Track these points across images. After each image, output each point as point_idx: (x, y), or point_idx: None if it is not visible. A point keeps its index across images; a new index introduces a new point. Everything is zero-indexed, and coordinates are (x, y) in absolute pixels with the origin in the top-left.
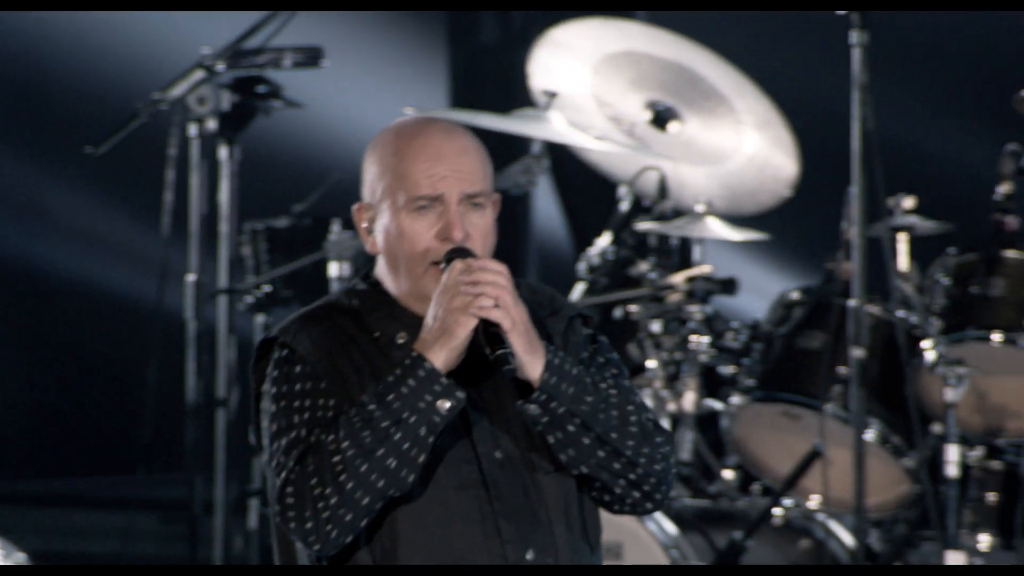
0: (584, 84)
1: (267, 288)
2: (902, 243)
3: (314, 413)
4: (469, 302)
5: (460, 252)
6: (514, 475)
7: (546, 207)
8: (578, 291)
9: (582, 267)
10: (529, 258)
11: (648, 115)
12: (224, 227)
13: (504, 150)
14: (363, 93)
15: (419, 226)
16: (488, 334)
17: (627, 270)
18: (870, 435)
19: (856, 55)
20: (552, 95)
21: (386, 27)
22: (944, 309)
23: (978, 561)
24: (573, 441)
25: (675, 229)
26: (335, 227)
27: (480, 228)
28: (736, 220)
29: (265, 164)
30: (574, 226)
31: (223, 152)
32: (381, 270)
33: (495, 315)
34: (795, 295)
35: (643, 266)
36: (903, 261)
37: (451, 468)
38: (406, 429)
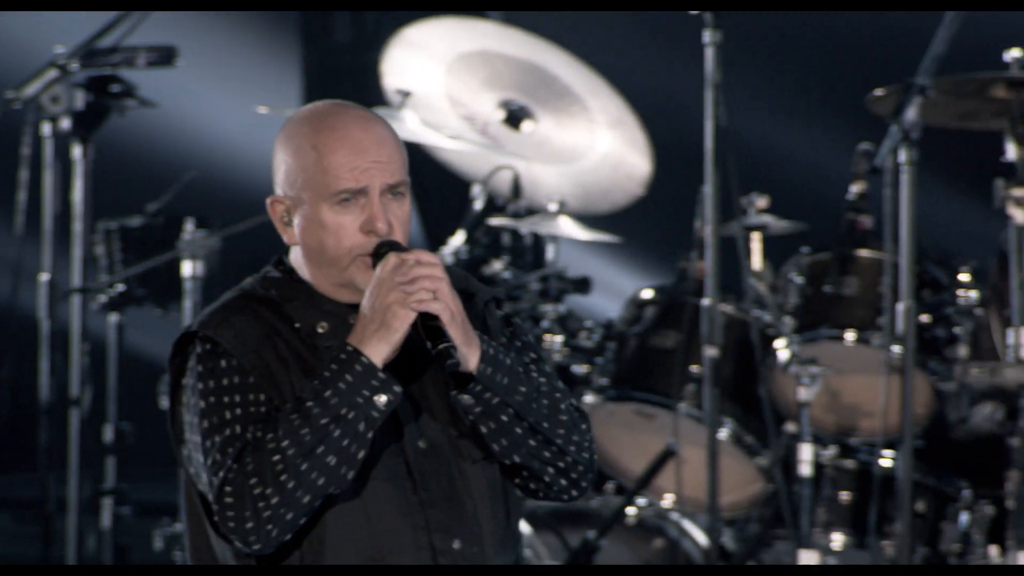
0: (438, 83)
1: (120, 287)
2: (755, 242)
3: (246, 409)
4: (406, 296)
5: (390, 245)
6: (439, 464)
7: None
8: None
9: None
10: None
11: (502, 114)
12: (77, 226)
13: None
14: (217, 93)
15: (343, 219)
16: (427, 328)
17: (481, 269)
18: (723, 434)
19: (709, 54)
20: (406, 94)
21: (240, 27)
22: (797, 308)
23: (831, 560)
24: (506, 431)
25: (528, 228)
26: (189, 226)
27: (401, 218)
28: (590, 219)
29: (119, 163)
30: (427, 225)
31: (77, 151)
32: (296, 259)
33: (434, 308)
34: (648, 294)
35: (497, 265)
36: (756, 260)
37: (377, 460)
38: (345, 425)
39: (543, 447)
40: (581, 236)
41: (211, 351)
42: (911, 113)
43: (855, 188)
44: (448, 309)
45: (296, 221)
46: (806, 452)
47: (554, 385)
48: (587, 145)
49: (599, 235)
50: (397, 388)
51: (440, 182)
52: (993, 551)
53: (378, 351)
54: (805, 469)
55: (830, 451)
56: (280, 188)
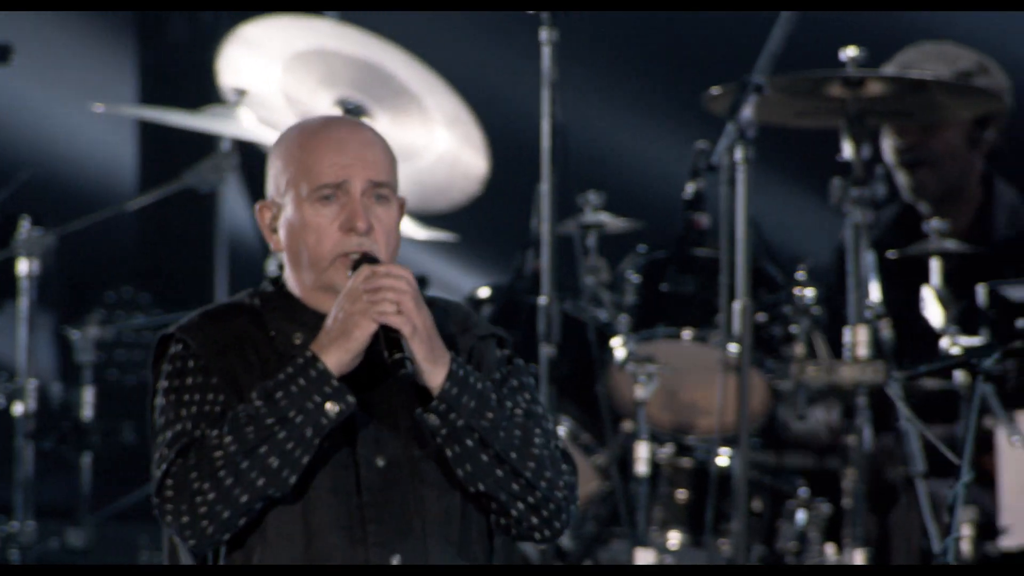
0: (274, 81)
1: None
2: (592, 240)
3: (201, 408)
4: (370, 306)
5: (368, 259)
6: (394, 484)
7: (235, 205)
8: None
9: (272, 266)
10: (218, 256)
11: (338, 113)
12: None
13: (194, 148)
14: (52, 91)
15: (322, 217)
16: (388, 339)
17: None
18: (560, 432)
19: (546, 53)
20: (242, 92)
21: (75, 25)
22: (634, 307)
23: (668, 559)
24: (471, 456)
25: None
26: (24, 225)
27: (384, 223)
28: (427, 218)
29: None
30: None
31: None
32: (287, 272)
33: (395, 320)
34: (485, 292)
35: None
36: (593, 259)
37: (327, 471)
38: (291, 429)
39: (511, 479)
40: (418, 235)
41: (181, 352)
42: (747, 111)
43: (692, 187)
44: (411, 323)
45: (280, 224)
46: (643, 450)
47: (537, 422)
48: (424, 144)
49: (436, 234)
50: (351, 398)
51: None
52: (830, 549)
53: (335, 359)
54: (642, 467)
55: (667, 449)
56: (268, 194)
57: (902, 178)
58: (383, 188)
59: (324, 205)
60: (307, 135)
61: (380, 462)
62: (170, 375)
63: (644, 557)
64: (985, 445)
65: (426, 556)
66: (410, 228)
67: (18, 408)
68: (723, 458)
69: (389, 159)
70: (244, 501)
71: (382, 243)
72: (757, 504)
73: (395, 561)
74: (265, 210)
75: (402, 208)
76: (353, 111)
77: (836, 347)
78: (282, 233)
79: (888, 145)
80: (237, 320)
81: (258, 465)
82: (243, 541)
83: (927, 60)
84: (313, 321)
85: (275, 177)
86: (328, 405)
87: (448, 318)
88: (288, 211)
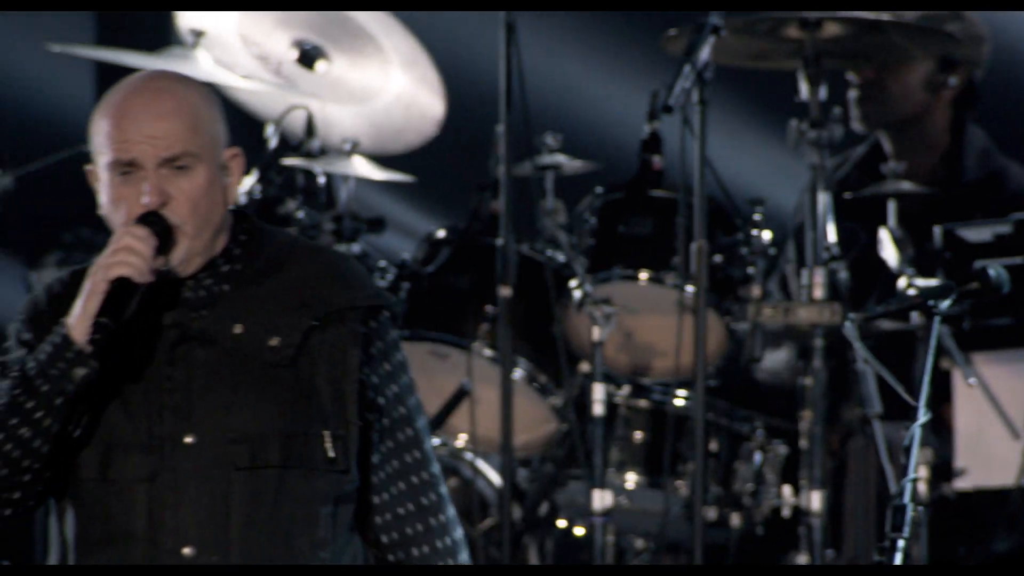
0: (231, 22)
1: None
2: (549, 182)
3: None
4: (106, 264)
5: (147, 218)
6: (202, 465)
7: None
8: None
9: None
10: None
11: (295, 54)
12: None
13: None
14: (7, 31)
15: (123, 193)
16: (108, 299)
17: (275, 209)
18: (517, 374)
19: None
20: (199, 34)
21: None
22: (591, 248)
23: (624, 500)
24: None
25: (322, 168)
26: None
27: (188, 192)
28: (384, 159)
29: None
30: None
31: None
32: None
33: (123, 271)
34: (442, 234)
35: (291, 205)
36: (550, 200)
37: (127, 458)
38: (39, 398)
39: None
40: (375, 176)
41: (17, 326)
42: (704, 52)
43: (648, 128)
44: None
45: (100, 191)
46: (599, 392)
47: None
48: (380, 85)
49: (393, 175)
50: (94, 363)
51: (233, 122)
52: (787, 490)
53: (80, 321)
54: (598, 409)
55: (624, 391)
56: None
57: (854, 109)
58: (180, 159)
59: (124, 180)
60: (108, 105)
61: (189, 439)
62: (4, 348)
63: (601, 498)
64: (943, 392)
65: (226, 545)
66: (367, 169)
67: None
68: (680, 399)
69: (188, 127)
70: (5, 474)
71: (186, 212)
72: (714, 445)
73: (186, 552)
74: (91, 175)
75: (238, 162)
76: (310, 52)
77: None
78: (102, 199)
79: (849, 77)
80: (72, 290)
81: (11, 436)
82: (61, 535)
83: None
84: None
85: (92, 143)
86: (75, 371)
87: (326, 273)
88: (102, 181)
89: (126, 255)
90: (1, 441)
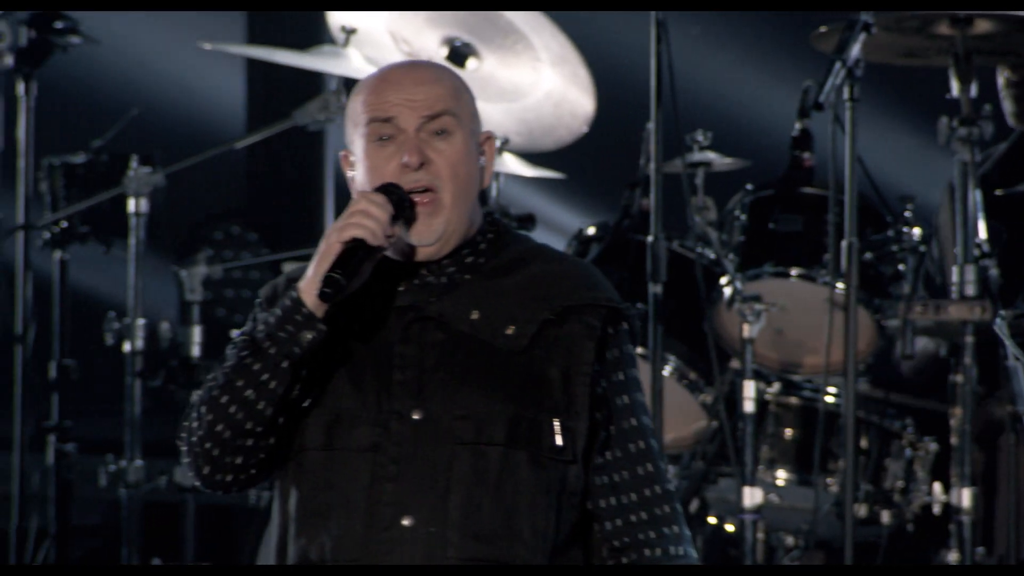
0: (382, 20)
1: (64, 224)
2: (700, 179)
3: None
4: (340, 228)
5: (387, 188)
6: (426, 439)
7: (342, 144)
8: None
9: None
10: (326, 195)
11: (445, 51)
12: (22, 163)
13: (302, 87)
14: (161, 29)
15: (380, 158)
16: (340, 259)
17: None
18: (667, 371)
19: None
20: (350, 31)
21: None
22: (741, 245)
23: (775, 497)
24: None
25: None
26: (134, 163)
27: (448, 155)
28: (533, 156)
29: (63, 100)
30: None
31: (20, 88)
32: None
33: (350, 233)
34: (592, 231)
35: None
36: (701, 197)
37: (354, 430)
38: (265, 360)
39: None
40: (525, 173)
41: (256, 305)
42: (855, 50)
43: (799, 125)
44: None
45: (354, 170)
46: (749, 389)
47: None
48: (531, 83)
49: (543, 172)
50: (322, 326)
51: None
52: (937, 488)
53: (310, 286)
54: (749, 406)
55: (774, 388)
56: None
57: (1007, 105)
58: (440, 119)
59: (382, 146)
60: (366, 81)
61: (417, 415)
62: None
63: (751, 495)
64: None
65: (444, 518)
66: (517, 166)
67: (127, 347)
68: (830, 396)
69: (449, 92)
70: (228, 437)
71: (446, 176)
72: (864, 442)
73: (405, 523)
74: (345, 159)
75: (491, 143)
76: (460, 50)
77: None
78: (355, 177)
79: (1001, 77)
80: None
81: (237, 399)
82: (286, 506)
83: None
84: (381, 265)
85: (346, 125)
86: (302, 334)
87: (561, 278)
88: (356, 155)
89: (361, 218)
90: (225, 403)
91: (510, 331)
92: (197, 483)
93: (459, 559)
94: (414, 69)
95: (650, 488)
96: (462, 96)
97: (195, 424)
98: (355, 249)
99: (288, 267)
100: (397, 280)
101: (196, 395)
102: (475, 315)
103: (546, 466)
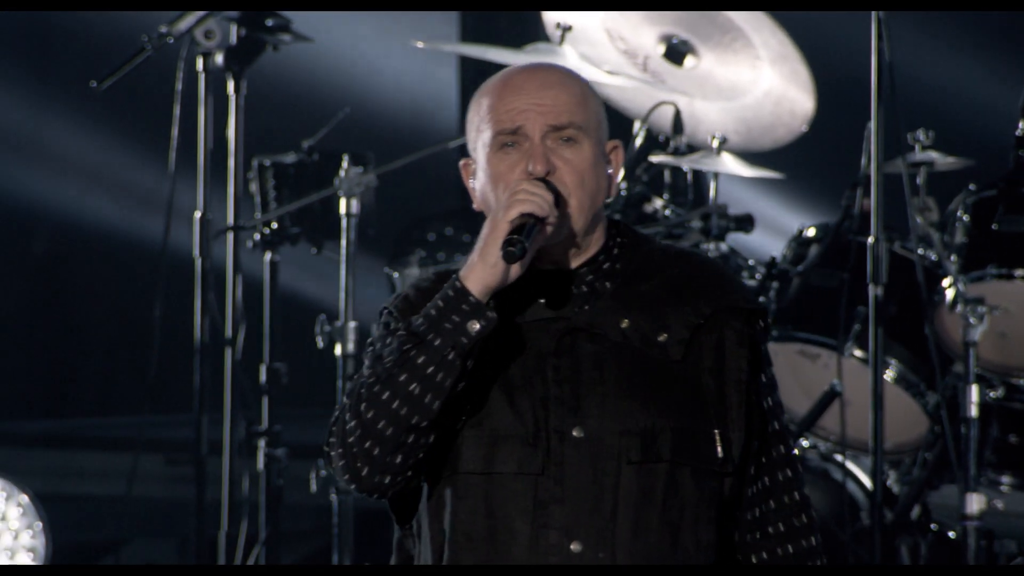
0: (597, 17)
1: (274, 225)
2: (921, 179)
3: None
4: (505, 210)
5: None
6: (588, 458)
7: None
8: None
9: None
10: None
11: (662, 49)
12: (231, 163)
13: None
14: (373, 27)
15: (504, 165)
16: (515, 230)
17: (642, 207)
18: (889, 375)
19: None
20: (565, 28)
21: None
22: (964, 246)
23: (999, 503)
24: None
25: (690, 165)
26: (345, 163)
27: (574, 164)
28: (752, 156)
29: (273, 99)
30: None
31: (231, 87)
32: None
33: (518, 209)
34: (812, 232)
35: (658, 203)
36: (922, 197)
37: (513, 452)
38: (430, 351)
39: None
40: (743, 173)
41: (386, 319)
42: None
43: (1023, 124)
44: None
45: (476, 179)
46: (973, 393)
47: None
48: (749, 81)
49: (762, 172)
50: (491, 314)
51: None
52: None
53: (475, 274)
54: (972, 411)
55: (997, 392)
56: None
57: None
58: (567, 130)
59: (506, 153)
60: (489, 86)
61: (577, 433)
62: (372, 342)
63: (974, 501)
64: None
65: (612, 542)
66: (735, 166)
67: (339, 350)
68: None
69: (576, 99)
70: (390, 433)
71: (572, 185)
72: None
73: (574, 548)
74: (466, 168)
75: (618, 154)
76: (677, 47)
77: None
78: (476, 187)
79: None
80: (439, 286)
81: (400, 393)
82: (436, 527)
83: None
84: (518, 278)
85: (468, 132)
86: (470, 324)
87: (696, 283)
88: (479, 163)
89: (527, 195)
90: (388, 399)
91: (662, 338)
92: (351, 486)
93: None
94: (539, 72)
95: (788, 495)
96: (589, 103)
97: (351, 424)
98: (522, 226)
99: None
100: (537, 291)
101: (345, 399)
102: (625, 323)
103: (708, 478)
